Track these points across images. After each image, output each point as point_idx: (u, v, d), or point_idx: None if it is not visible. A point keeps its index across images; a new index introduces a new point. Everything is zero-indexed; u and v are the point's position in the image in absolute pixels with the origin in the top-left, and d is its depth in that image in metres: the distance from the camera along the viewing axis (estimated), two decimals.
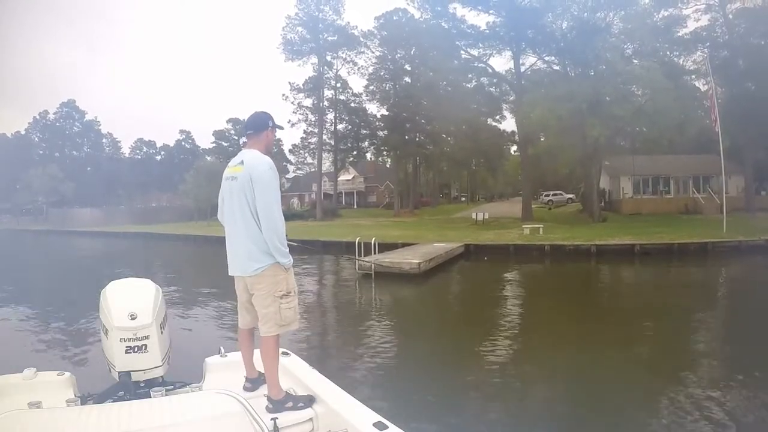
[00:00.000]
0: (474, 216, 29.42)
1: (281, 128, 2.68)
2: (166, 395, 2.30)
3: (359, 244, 14.01)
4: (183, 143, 67.90)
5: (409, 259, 13.67)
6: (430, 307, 10.96)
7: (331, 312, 10.70)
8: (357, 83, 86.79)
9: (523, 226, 22.59)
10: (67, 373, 2.60)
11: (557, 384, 5.75)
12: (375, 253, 13.84)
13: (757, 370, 5.62)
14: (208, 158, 54.13)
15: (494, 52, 30.87)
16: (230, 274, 2.52)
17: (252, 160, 2.39)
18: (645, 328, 8.09)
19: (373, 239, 14.27)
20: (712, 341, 7.45)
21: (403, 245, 18.29)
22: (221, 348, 2.93)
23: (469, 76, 33.04)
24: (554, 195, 44.83)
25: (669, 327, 8.08)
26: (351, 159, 52.04)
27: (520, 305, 10.81)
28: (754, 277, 13.89)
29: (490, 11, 29.03)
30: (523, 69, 31.32)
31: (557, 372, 6.04)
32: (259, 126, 2.52)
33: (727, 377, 5.62)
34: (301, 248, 19.20)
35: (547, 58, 29.77)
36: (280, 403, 2.29)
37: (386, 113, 45.99)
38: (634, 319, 8.78)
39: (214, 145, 61.81)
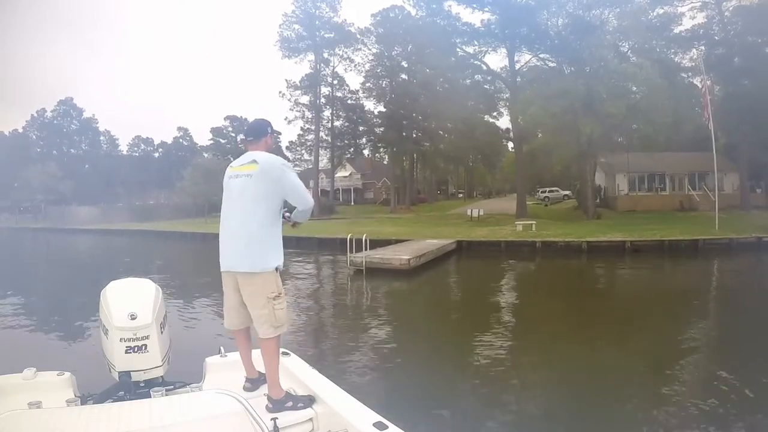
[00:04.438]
0: (469, 213, 29.52)
1: (279, 134, 2.80)
2: (166, 395, 2.31)
3: (350, 240, 14.11)
4: (181, 140, 67.67)
5: (400, 255, 13.81)
6: (414, 301, 11.23)
7: (321, 305, 10.89)
8: (354, 80, 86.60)
9: (516, 222, 22.69)
10: (67, 373, 2.60)
11: (523, 373, 5.92)
12: (366, 250, 13.95)
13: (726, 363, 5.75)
14: (206, 155, 54.22)
15: (489, 49, 30.83)
16: (223, 269, 2.51)
17: (266, 159, 2.47)
18: (619, 323, 8.23)
19: (364, 236, 14.36)
20: (683, 335, 7.54)
21: (397, 242, 18.41)
22: (221, 348, 2.92)
23: (466, 73, 33.04)
24: (551, 192, 44.82)
25: (644, 322, 8.19)
26: (348, 156, 52.10)
27: (502, 300, 11.01)
28: (740, 274, 14.03)
29: (485, 9, 29.00)
30: (518, 66, 31.31)
31: (524, 362, 6.31)
32: (260, 133, 2.61)
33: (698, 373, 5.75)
34: (296, 245, 19.41)
35: (542, 56, 29.78)
36: (280, 403, 2.30)
37: (383, 110, 46.01)
38: (611, 314, 8.96)
39: (211, 142, 61.85)
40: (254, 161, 2.45)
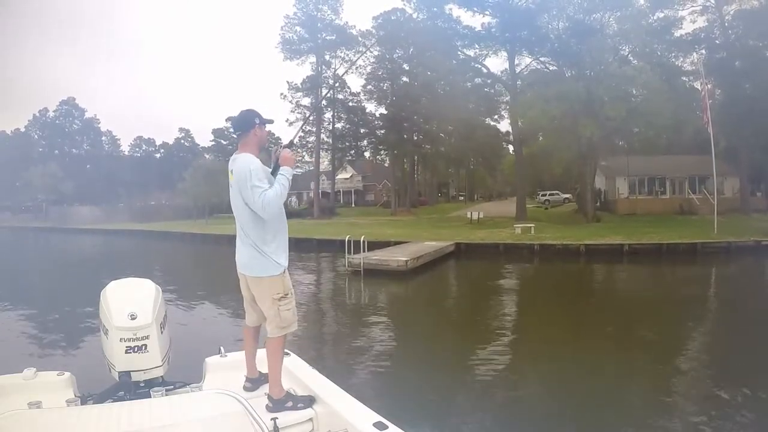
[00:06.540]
0: (469, 215, 29.54)
1: (271, 122, 2.58)
2: (166, 395, 2.31)
3: (348, 242, 14.16)
4: (182, 141, 67.87)
5: (398, 257, 13.84)
6: (409, 301, 11.36)
7: (317, 305, 10.99)
8: (355, 82, 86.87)
9: (515, 225, 22.69)
10: (67, 373, 2.60)
11: (516, 376, 5.93)
12: (364, 251, 13.99)
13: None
14: (207, 156, 54.27)
15: (490, 52, 30.94)
16: (238, 270, 2.56)
17: (239, 168, 2.36)
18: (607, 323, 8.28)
19: (362, 237, 14.41)
20: (679, 340, 7.55)
21: (395, 243, 18.43)
22: (221, 348, 2.93)
23: (466, 76, 33.10)
24: (551, 195, 44.83)
25: (639, 327, 8.18)
26: (349, 158, 52.13)
27: (494, 302, 11.03)
28: (735, 277, 14.00)
29: (486, 12, 29.09)
30: (518, 69, 31.38)
31: (517, 364, 6.36)
32: (246, 125, 2.47)
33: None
34: (295, 246, 19.49)
35: (542, 59, 29.84)
36: (281, 402, 2.31)
37: (384, 112, 46.11)
38: (606, 320, 8.98)
39: (213, 143, 61.85)
40: (232, 171, 2.40)
